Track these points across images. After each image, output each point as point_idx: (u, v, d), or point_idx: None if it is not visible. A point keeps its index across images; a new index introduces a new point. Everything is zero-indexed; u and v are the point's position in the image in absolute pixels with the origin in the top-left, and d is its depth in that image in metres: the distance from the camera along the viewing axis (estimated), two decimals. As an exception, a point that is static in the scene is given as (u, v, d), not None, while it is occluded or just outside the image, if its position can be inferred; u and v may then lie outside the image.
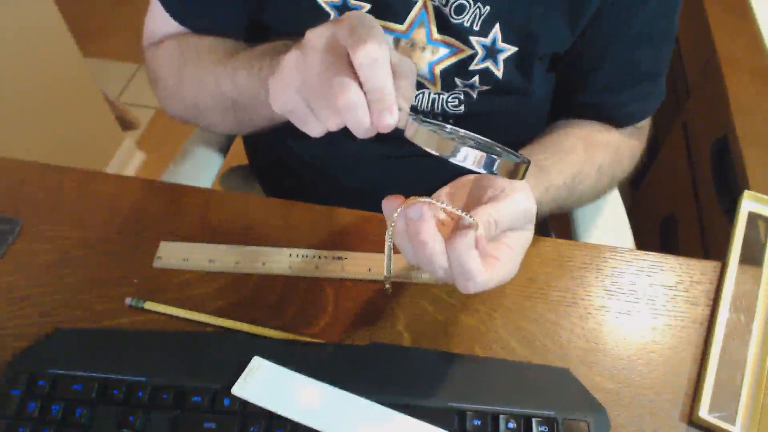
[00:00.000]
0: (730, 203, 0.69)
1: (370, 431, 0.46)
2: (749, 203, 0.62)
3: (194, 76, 0.62)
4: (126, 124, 1.80)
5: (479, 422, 0.47)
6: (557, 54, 0.62)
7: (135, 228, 0.60)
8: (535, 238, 0.61)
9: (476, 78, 0.60)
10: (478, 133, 0.65)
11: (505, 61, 0.59)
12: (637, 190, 1.34)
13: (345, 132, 0.68)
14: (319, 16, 0.59)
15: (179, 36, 0.65)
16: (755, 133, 0.82)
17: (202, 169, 0.80)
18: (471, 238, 0.40)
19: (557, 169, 0.58)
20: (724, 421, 0.49)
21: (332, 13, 0.58)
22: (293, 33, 0.60)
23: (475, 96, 0.62)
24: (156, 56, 0.66)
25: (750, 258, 0.58)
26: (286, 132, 0.73)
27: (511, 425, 0.47)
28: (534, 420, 0.47)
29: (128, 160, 1.73)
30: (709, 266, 0.59)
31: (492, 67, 0.59)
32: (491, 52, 0.59)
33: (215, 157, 0.83)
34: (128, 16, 2.08)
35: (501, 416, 0.48)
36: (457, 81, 0.60)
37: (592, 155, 0.62)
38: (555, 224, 0.89)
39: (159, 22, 0.65)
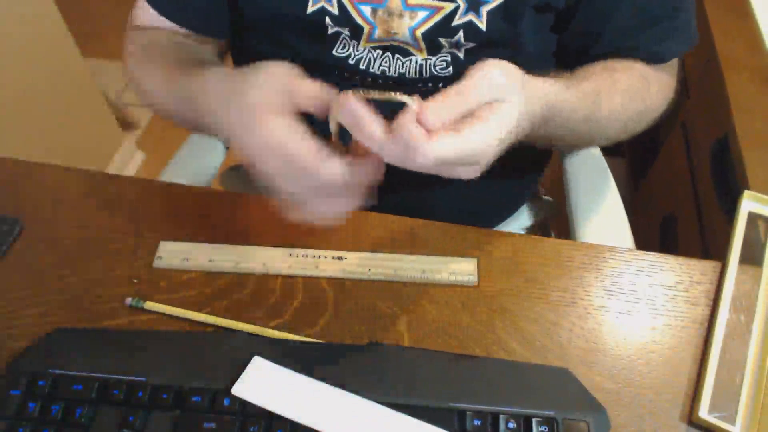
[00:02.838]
0: (730, 203, 0.69)
1: (370, 431, 0.46)
2: (749, 203, 0.62)
3: (149, 87, 0.62)
4: (126, 124, 1.80)
5: (479, 422, 0.47)
6: (550, 5, 0.60)
7: (135, 228, 0.60)
8: (535, 238, 0.61)
9: (461, 34, 0.59)
10: None
11: (489, 13, 0.58)
12: (637, 190, 1.34)
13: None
14: None
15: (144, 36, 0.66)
16: (755, 133, 0.82)
17: (202, 169, 0.80)
18: (410, 113, 0.40)
19: (575, 81, 0.55)
20: (724, 421, 0.49)
21: None
22: (265, 15, 0.60)
23: (461, 55, 0.61)
24: (125, 50, 0.67)
25: (750, 258, 0.58)
26: None
27: (511, 425, 0.47)
28: (534, 420, 0.47)
29: (128, 160, 1.74)
30: (709, 266, 0.59)
31: (475, 20, 0.58)
32: (473, 4, 0.57)
33: (215, 156, 0.83)
34: (128, 16, 2.08)
35: (501, 416, 0.48)
36: (442, 41, 0.59)
37: (613, 75, 0.60)
38: (555, 224, 0.89)
39: (141, 12, 0.66)
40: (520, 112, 0.44)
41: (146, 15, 0.66)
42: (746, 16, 0.97)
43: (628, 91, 0.60)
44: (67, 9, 1.43)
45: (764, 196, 0.62)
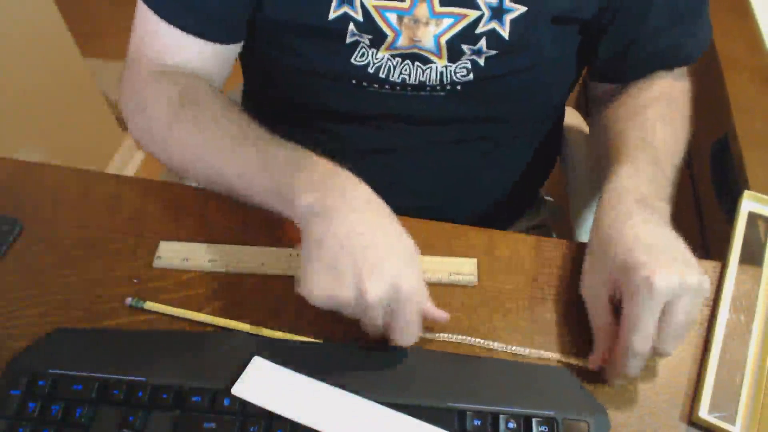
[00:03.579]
0: (730, 203, 0.69)
1: (370, 431, 0.46)
2: (749, 203, 0.62)
3: (190, 143, 0.57)
4: (126, 124, 1.80)
5: (479, 422, 0.47)
6: (573, 18, 0.60)
7: (135, 228, 0.60)
8: (536, 238, 0.61)
9: (483, 41, 0.59)
10: (488, 96, 0.65)
11: (513, 21, 0.58)
12: (637, 190, 1.33)
13: (344, 120, 0.67)
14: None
15: (183, 83, 0.60)
16: (755, 133, 0.82)
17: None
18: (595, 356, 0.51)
19: (622, 160, 0.58)
20: (724, 421, 0.49)
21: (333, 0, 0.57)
22: (283, 23, 0.59)
23: (482, 63, 0.61)
24: (145, 87, 0.61)
25: (750, 258, 0.58)
26: (286, 122, 0.73)
27: (511, 425, 0.47)
28: (534, 420, 0.47)
29: (128, 160, 1.73)
30: (709, 266, 0.59)
31: (498, 28, 0.58)
32: (497, 13, 0.58)
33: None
34: (128, 16, 2.06)
35: (501, 416, 0.48)
36: (464, 48, 0.59)
37: (644, 119, 0.62)
38: (555, 224, 0.89)
39: (149, 23, 0.61)
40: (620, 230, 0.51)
41: (159, 40, 0.61)
42: (746, 16, 0.97)
43: (663, 120, 0.62)
44: (66, 9, 1.43)
45: (764, 196, 0.62)
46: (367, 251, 0.46)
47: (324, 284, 0.46)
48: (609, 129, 0.64)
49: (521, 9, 0.57)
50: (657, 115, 0.62)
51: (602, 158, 0.63)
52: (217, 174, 0.56)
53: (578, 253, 0.59)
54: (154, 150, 0.61)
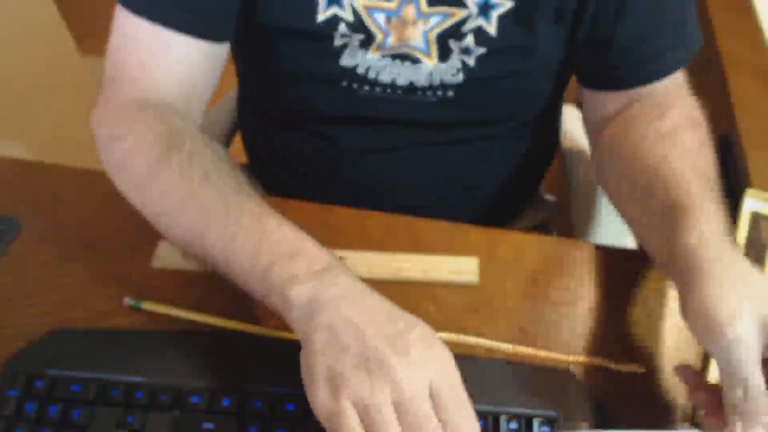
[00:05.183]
0: (733, 202, 0.69)
1: None
2: (751, 202, 0.61)
3: (173, 193, 0.50)
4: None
5: (480, 422, 0.47)
6: (564, 9, 0.58)
7: (135, 228, 0.60)
8: (536, 237, 0.61)
9: (470, 38, 0.58)
10: (480, 100, 0.63)
11: (500, 17, 0.57)
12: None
13: (337, 123, 0.67)
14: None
15: (169, 125, 0.54)
16: (758, 132, 0.81)
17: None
18: None
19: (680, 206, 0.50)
20: (725, 421, 0.48)
21: (321, 1, 0.57)
22: (279, 22, 0.58)
23: (472, 63, 0.60)
24: (125, 114, 0.56)
25: (752, 258, 0.58)
26: (280, 124, 0.73)
27: (512, 425, 0.47)
28: (535, 420, 0.47)
29: (129, 160, 1.73)
30: (711, 266, 0.58)
31: (485, 25, 0.57)
32: (484, 10, 0.57)
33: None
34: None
35: (502, 416, 0.47)
36: (452, 44, 0.59)
37: (686, 145, 0.57)
38: (556, 223, 0.89)
39: (128, 29, 0.56)
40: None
41: (141, 45, 0.56)
42: (748, 15, 0.97)
43: (702, 143, 0.58)
44: (65, 7, 1.43)
45: (767, 195, 0.62)
46: (391, 339, 0.41)
47: (352, 386, 0.39)
48: (642, 151, 0.57)
49: (508, 5, 0.57)
50: (695, 140, 0.58)
51: (639, 180, 0.55)
52: (198, 238, 0.49)
53: (579, 252, 0.59)
54: (128, 192, 0.54)
